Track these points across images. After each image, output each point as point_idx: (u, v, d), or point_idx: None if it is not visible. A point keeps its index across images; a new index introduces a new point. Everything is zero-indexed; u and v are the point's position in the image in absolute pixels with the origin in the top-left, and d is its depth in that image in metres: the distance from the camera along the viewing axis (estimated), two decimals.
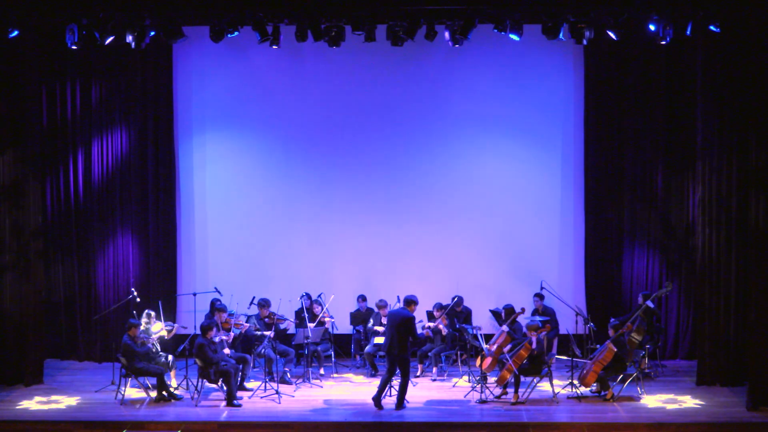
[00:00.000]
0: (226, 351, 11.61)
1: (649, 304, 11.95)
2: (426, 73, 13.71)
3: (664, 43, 11.35)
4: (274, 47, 11.70)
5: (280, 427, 10.62)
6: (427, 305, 12.89)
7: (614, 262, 13.58)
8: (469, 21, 11.24)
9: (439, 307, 12.57)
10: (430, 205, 13.93)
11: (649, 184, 13.39)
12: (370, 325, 13.00)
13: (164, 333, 12.22)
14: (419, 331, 12.47)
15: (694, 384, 12.04)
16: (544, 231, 13.79)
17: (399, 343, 10.91)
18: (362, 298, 13.35)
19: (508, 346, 11.54)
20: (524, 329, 11.76)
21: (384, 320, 12.38)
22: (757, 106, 11.14)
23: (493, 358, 11.62)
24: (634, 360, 11.72)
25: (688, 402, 11.27)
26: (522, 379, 11.43)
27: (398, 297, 12.14)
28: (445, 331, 12.56)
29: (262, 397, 11.61)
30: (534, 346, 11.34)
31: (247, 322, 12.52)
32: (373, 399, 11.05)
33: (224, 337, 11.72)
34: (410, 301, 11.18)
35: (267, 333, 12.10)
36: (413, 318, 11.05)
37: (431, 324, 12.60)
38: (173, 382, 11.87)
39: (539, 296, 12.84)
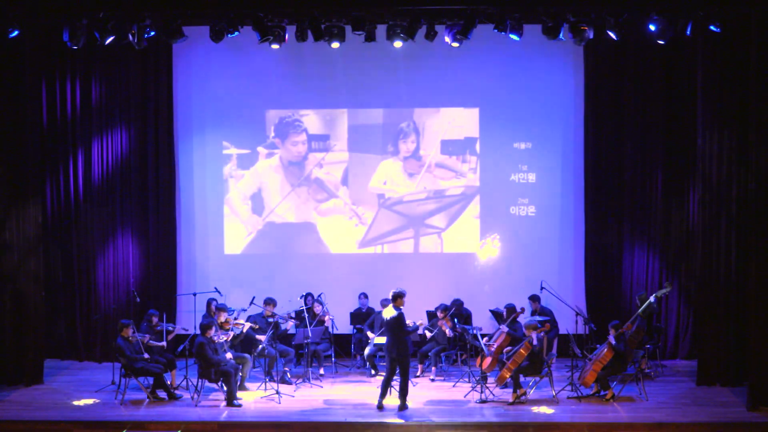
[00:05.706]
0: (229, 356, 11.59)
1: (651, 299, 11.95)
2: (426, 73, 13.70)
3: (663, 43, 11.35)
4: (274, 47, 11.67)
5: (280, 427, 10.63)
6: (427, 306, 12.90)
7: (614, 262, 13.57)
8: (469, 21, 11.24)
9: (444, 308, 12.45)
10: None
11: (649, 184, 13.38)
12: (366, 329, 12.94)
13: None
14: (420, 331, 12.46)
15: (694, 384, 12.04)
16: (544, 231, 13.78)
17: (396, 343, 10.90)
18: (364, 296, 13.31)
19: (509, 348, 11.53)
20: (523, 329, 11.74)
21: None
22: (757, 106, 11.13)
23: (493, 358, 11.62)
24: (634, 360, 11.72)
25: (688, 402, 11.32)
26: (522, 378, 11.43)
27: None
28: (450, 334, 12.45)
29: (262, 397, 11.62)
30: (535, 343, 11.32)
31: (247, 320, 12.51)
32: (377, 405, 11.05)
33: (224, 337, 11.72)
34: (397, 296, 10.98)
35: (260, 339, 12.09)
36: (401, 315, 10.92)
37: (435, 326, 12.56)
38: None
39: (533, 299, 12.80)
